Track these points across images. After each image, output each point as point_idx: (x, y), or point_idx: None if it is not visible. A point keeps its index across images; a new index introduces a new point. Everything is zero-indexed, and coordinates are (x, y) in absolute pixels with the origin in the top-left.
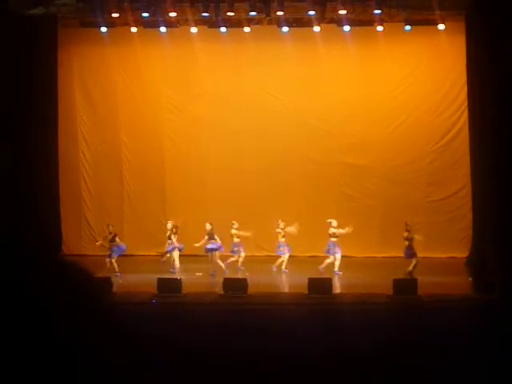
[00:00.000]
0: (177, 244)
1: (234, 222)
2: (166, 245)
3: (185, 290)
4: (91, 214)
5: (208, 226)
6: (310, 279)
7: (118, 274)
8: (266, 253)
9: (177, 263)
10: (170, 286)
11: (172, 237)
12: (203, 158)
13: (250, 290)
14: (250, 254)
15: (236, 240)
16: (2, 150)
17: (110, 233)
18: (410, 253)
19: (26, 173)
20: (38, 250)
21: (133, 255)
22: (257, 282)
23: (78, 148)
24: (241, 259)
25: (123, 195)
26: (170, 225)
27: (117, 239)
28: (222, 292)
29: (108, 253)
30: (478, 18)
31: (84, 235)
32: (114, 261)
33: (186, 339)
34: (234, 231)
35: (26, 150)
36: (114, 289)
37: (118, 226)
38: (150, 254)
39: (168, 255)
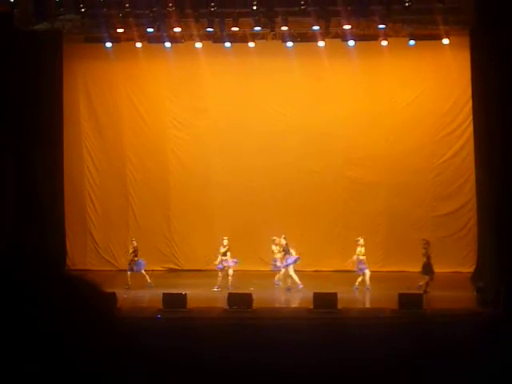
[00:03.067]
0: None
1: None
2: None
3: (190, 304)
4: (96, 230)
5: (283, 241)
6: (315, 294)
7: (150, 284)
8: (269, 267)
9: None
10: (175, 300)
11: (227, 253)
12: (208, 173)
13: (255, 305)
14: (254, 269)
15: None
16: (8, 166)
17: (133, 247)
18: (427, 269)
19: (31, 188)
20: (41, 265)
21: None
22: (262, 296)
23: (83, 163)
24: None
25: (128, 210)
26: (226, 241)
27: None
28: (227, 307)
29: (129, 267)
30: (483, 32)
31: (89, 251)
32: (144, 273)
33: (190, 354)
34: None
35: (31, 164)
36: (120, 303)
37: (124, 242)
38: (156, 269)
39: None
